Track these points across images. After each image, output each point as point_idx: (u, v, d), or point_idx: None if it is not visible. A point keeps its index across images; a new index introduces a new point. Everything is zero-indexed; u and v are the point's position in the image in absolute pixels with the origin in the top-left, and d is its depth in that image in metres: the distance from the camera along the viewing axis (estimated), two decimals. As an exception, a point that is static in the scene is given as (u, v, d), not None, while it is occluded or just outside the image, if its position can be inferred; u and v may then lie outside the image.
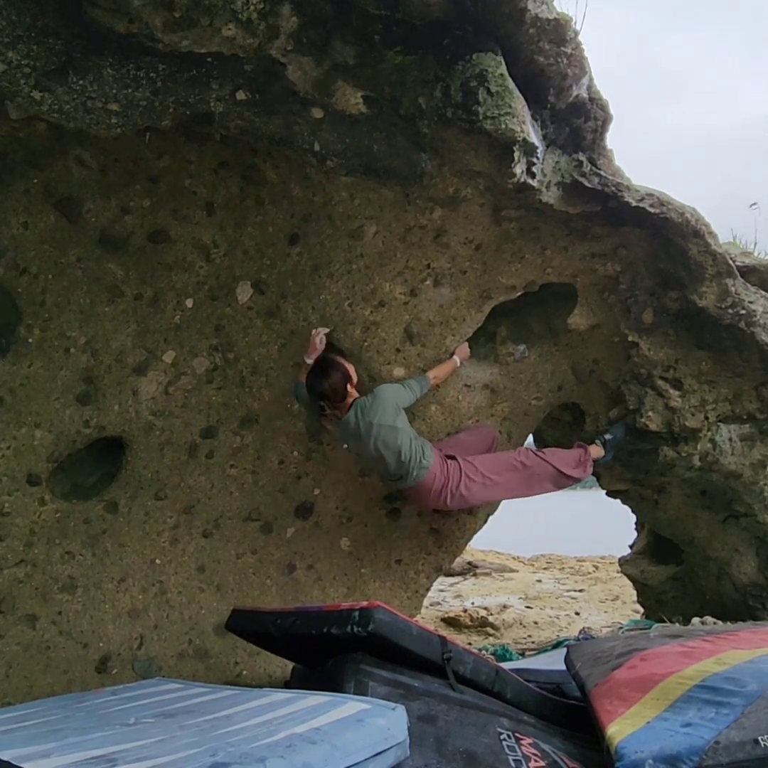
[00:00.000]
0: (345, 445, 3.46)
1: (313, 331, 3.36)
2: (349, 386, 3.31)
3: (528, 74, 2.82)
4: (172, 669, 3.57)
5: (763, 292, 3.61)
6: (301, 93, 2.72)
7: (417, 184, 3.01)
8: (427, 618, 5.99)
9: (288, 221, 3.27)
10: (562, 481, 3.67)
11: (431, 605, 6.64)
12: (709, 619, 3.97)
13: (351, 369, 3.37)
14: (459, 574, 8.42)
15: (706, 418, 3.78)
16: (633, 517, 5.22)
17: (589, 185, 3.14)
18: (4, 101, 2.57)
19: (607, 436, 3.84)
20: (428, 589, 4.42)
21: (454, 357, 3.60)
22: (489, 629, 5.86)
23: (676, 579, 4.83)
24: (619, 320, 3.72)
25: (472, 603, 6.84)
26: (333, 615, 2.31)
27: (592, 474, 4.48)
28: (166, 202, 3.14)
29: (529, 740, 2.18)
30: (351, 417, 3.28)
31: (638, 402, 3.80)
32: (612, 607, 6.88)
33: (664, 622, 4.14)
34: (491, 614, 6.14)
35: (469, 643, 5.14)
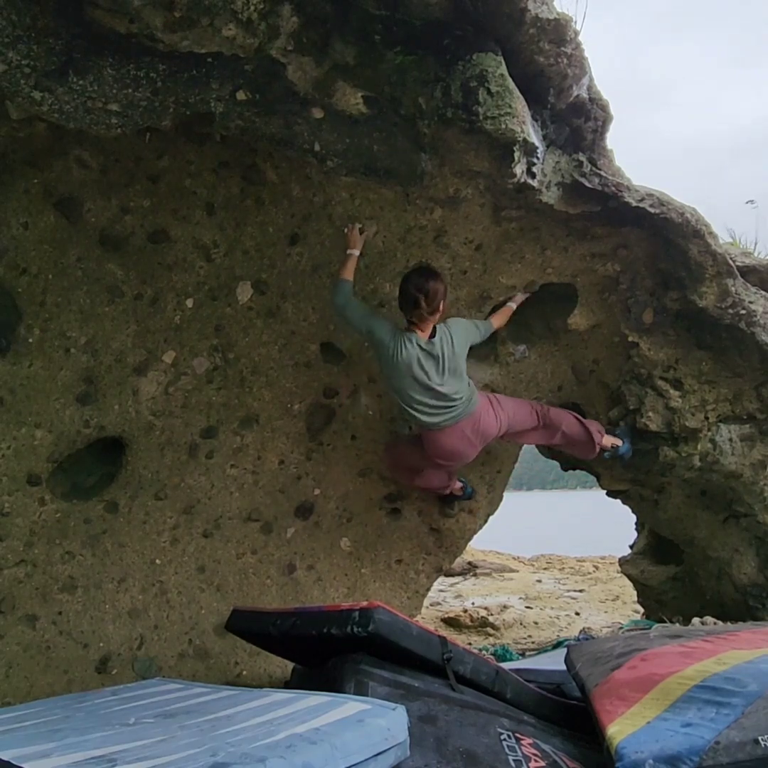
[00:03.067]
0: (400, 369, 3.13)
1: (347, 227, 3.22)
2: (442, 304, 3.15)
3: (528, 74, 2.82)
4: (172, 669, 3.57)
5: (763, 292, 3.61)
6: (301, 93, 2.72)
7: (417, 184, 3.01)
8: (427, 618, 5.98)
9: (288, 221, 3.27)
10: (579, 429, 3.66)
11: (431, 605, 6.63)
12: (709, 619, 3.97)
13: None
14: (459, 574, 8.41)
15: (706, 418, 3.78)
16: (633, 517, 5.22)
17: (590, 185, 3.14)
18: (4, 101, 2.56)
19: (617, 431, 3.84)
20: (428, 589, 4.43)
21: (510, 304, 3.60)
22: (489, 629, 5.85)
23: (676, 579, 4.83)
24: (619, 320, 3.72)
25: (472, 603, 6.83)
26: (333, 615, 2.31)
27: (593, 474, 4.49)
28: (166, 202, 3.14)
29: (529, 740, 2.18)
30: (442, 333, 3.17)
31: (638, 402, 3.80)
32: (612, 607, 6.87)
33: (664, 622, 4.13)
34: (491, 614, 6.13)
35: (469, 643, 5.13)
